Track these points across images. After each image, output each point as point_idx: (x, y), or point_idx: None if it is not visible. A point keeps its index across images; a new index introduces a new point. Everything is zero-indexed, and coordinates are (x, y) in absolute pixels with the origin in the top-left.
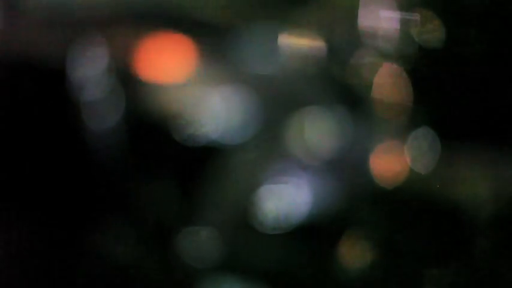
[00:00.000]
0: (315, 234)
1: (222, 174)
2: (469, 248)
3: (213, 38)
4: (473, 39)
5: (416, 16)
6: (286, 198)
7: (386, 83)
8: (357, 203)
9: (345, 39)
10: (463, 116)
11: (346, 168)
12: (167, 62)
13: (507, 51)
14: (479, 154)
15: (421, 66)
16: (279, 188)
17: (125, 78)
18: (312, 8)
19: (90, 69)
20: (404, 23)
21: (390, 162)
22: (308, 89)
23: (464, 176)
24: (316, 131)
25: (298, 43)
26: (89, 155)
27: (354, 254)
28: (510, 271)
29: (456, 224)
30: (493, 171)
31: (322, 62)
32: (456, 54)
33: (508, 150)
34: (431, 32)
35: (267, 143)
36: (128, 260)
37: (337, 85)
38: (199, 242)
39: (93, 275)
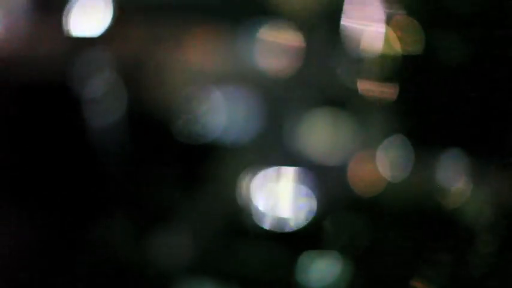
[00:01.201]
0: (299, 239)
1: (216, 173)
2: (451, 255)
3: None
4: (454, 46)
5: (396, 21)
6: (274, 202)
7: (368, 87)
8: (338, 209)
9: (327, 44)
10: (443, 123)
11: (328, 174)
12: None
13: (490, 58)
14: (460, 161)
15: (403, 72)
16: (268, 192)
17: (128, 75)
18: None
19: (93, 66)
20: (384, 28)
21: (370, 169)
22: (290, 93)
23: (444, 183)
24: (303, 135)
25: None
26: (89, 150)
27: (335, 259)
28: (491, 278)
29: (438, 231)
30: (475, 178)
31: (304, 66)
32: (439, 60)
33: (490, 158)
34: (412, 37)
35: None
36: (122, 254)
37: (321, 90)
38: (191, 241)
39: (87, 268)
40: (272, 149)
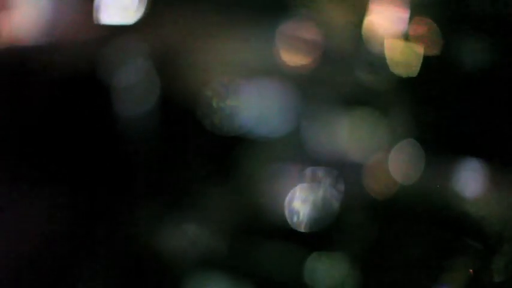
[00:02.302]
0: (313, 239)
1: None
2: (465, 259)
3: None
4: (473, 50)
5: (416, 24)
6: (294, 200)
7: (385, 89)
8: (353, 210)
9: (346, 46)
10: (459, 127)
11: (343, 175)
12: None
13: (505, 64)
14: (475, 166)
15: (422, 74)
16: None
17: (161, 64)
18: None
19: (125, 55)
20: (404, 30)
21: (384, 171)
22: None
23: (459, 188)
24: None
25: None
26: (120, 139)
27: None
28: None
29: (451, 235)
30: (490, 184)
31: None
32: (457, 64)
33: (505, 163)
34: (430, 41)
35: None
36: (145, 245)
37: (339, 89)
38: (208, 235)
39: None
40: (289, 146)
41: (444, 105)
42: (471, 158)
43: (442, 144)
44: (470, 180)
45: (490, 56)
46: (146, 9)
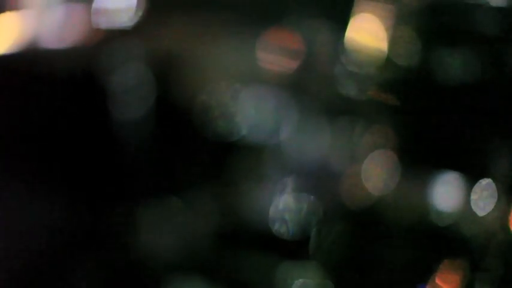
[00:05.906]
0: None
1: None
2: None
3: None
4: (451, 61)
5: (396, 34)
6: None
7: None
8: (331, 220)
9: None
10: (436, 139)
11: (321, 183)
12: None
13: (488, 74)
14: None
15: (401, 84)
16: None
17: (158, 69)
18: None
19: (123, 58)
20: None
21: (361, 181)
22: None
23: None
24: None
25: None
26: (116, 144)
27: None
28: None
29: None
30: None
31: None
32: (436, 75)
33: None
34: (409, 51)
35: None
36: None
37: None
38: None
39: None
40: (273, 155)
41: (424, 116)
42: (450, 170)
43: (422, 155)
44: (448, 192)
45: (471, 67)
46: (143, 14)
